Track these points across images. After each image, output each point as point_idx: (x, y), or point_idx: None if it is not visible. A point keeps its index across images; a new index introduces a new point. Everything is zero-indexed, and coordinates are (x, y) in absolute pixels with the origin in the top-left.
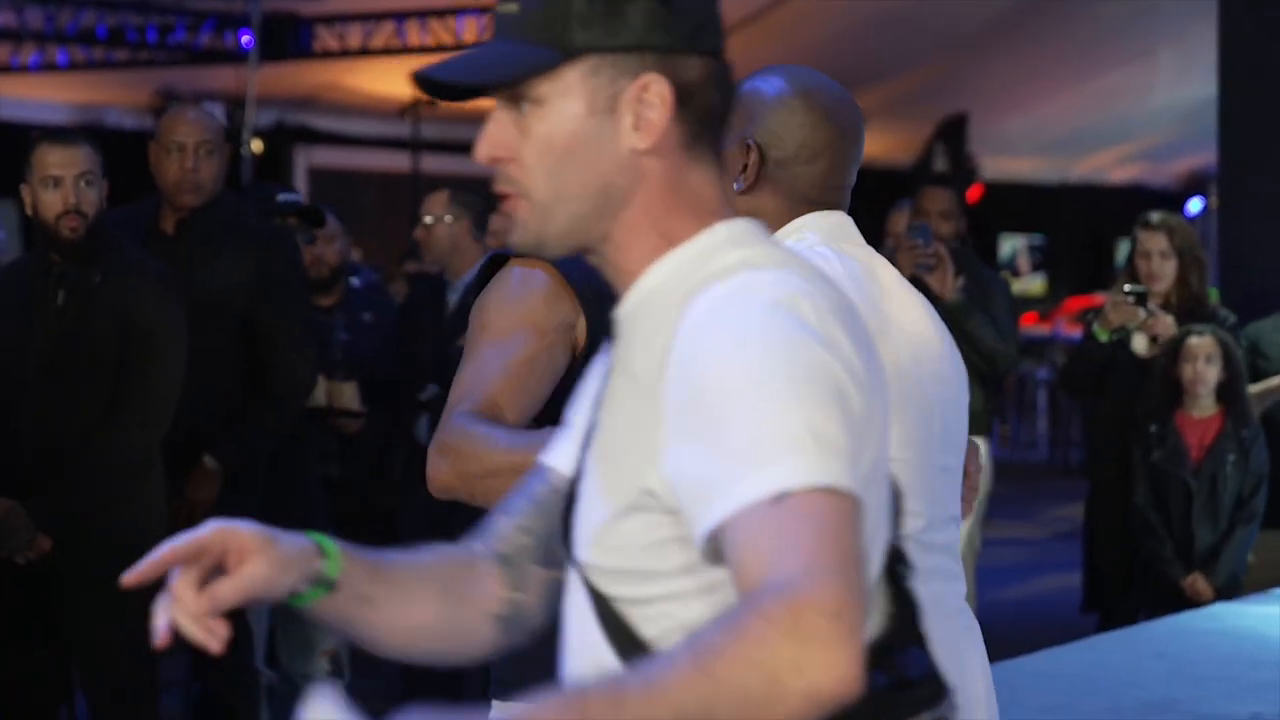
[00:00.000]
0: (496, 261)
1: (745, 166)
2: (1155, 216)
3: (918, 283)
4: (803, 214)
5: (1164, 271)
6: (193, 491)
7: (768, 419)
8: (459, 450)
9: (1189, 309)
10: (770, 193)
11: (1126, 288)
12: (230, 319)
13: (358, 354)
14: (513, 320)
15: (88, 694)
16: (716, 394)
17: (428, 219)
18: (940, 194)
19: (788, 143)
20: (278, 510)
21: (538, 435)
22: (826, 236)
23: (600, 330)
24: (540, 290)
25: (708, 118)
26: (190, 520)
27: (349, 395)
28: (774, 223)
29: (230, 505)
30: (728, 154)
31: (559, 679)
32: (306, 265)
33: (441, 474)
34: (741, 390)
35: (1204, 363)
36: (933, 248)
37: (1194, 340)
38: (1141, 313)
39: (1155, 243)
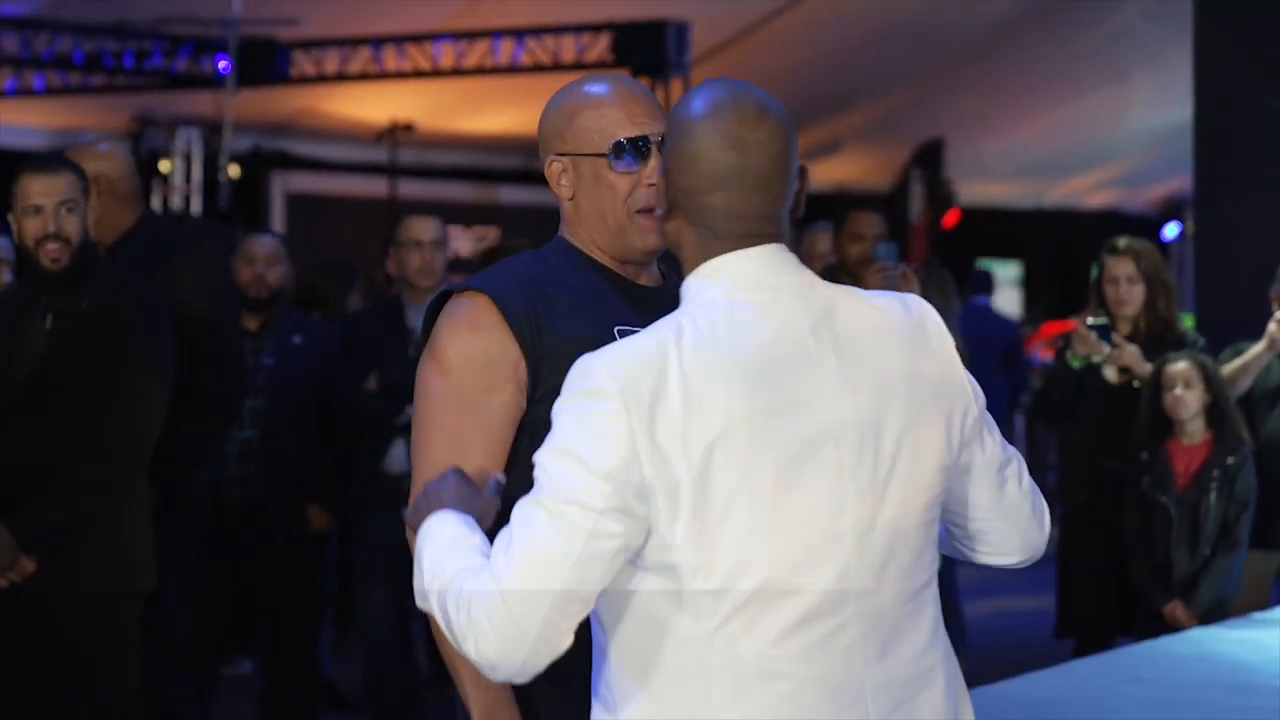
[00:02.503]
0: (444, 296)
1: (663, 192)
2: (1122, 241)
3: None
4: (716, 250)
5: (1132, 296)
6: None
7: None
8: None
9: (1157, 334)
10: (684, 223)
11: (1090, 321)
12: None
13: (285, 378)
14: (458, 366)
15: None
16: None
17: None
18: (872, 217)
19: (690, 171)
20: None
21: None
22: (735, 286)
23: (536, 355)
24: (469, 323)
25: None
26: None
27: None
28: (693, 256)
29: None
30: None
31: None
32: (246, 284)
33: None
34: None
35: (1183, 388)
36: (900, 268)
37: (1170, 367)
38: (1106, 347)
39: (1122, 268)
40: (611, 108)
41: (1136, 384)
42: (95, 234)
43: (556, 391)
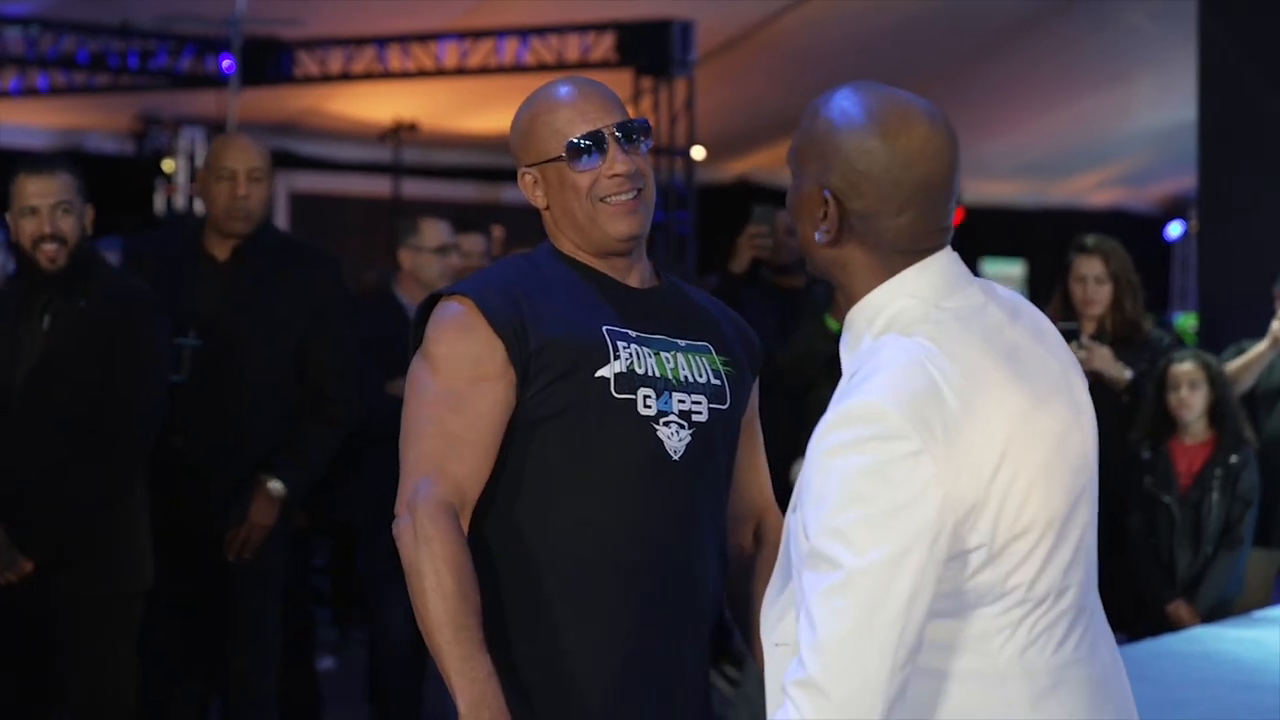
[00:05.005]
0: (433, 299)
1: (825, 215)
2: (1090, 240)
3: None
4: (898, 267)
5: (1099, 296)
6: (255, 514)
7: None
8: (426, 571)
9: (1124, 335)
10: (856, 245)
11: (1059, 326)
12: (288, 348)
13: None
14: (447, 367)
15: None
16: None
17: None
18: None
19: (868, 193)
20: None
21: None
22: (926, 302)
23: (531, 360)
24: (456, 326)
25: None
26: (249, 542)
27: None
28: (865, 278)
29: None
30: (806, 199)
31: None
32: None
33: (406, 546)
34: None
35: (1188, 389)
36: None
37: (1176, 368)
38: (1074, 348)
39: (1090, 267)
40: (563, 109)
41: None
42: (256, 216)
43: (547, 389)
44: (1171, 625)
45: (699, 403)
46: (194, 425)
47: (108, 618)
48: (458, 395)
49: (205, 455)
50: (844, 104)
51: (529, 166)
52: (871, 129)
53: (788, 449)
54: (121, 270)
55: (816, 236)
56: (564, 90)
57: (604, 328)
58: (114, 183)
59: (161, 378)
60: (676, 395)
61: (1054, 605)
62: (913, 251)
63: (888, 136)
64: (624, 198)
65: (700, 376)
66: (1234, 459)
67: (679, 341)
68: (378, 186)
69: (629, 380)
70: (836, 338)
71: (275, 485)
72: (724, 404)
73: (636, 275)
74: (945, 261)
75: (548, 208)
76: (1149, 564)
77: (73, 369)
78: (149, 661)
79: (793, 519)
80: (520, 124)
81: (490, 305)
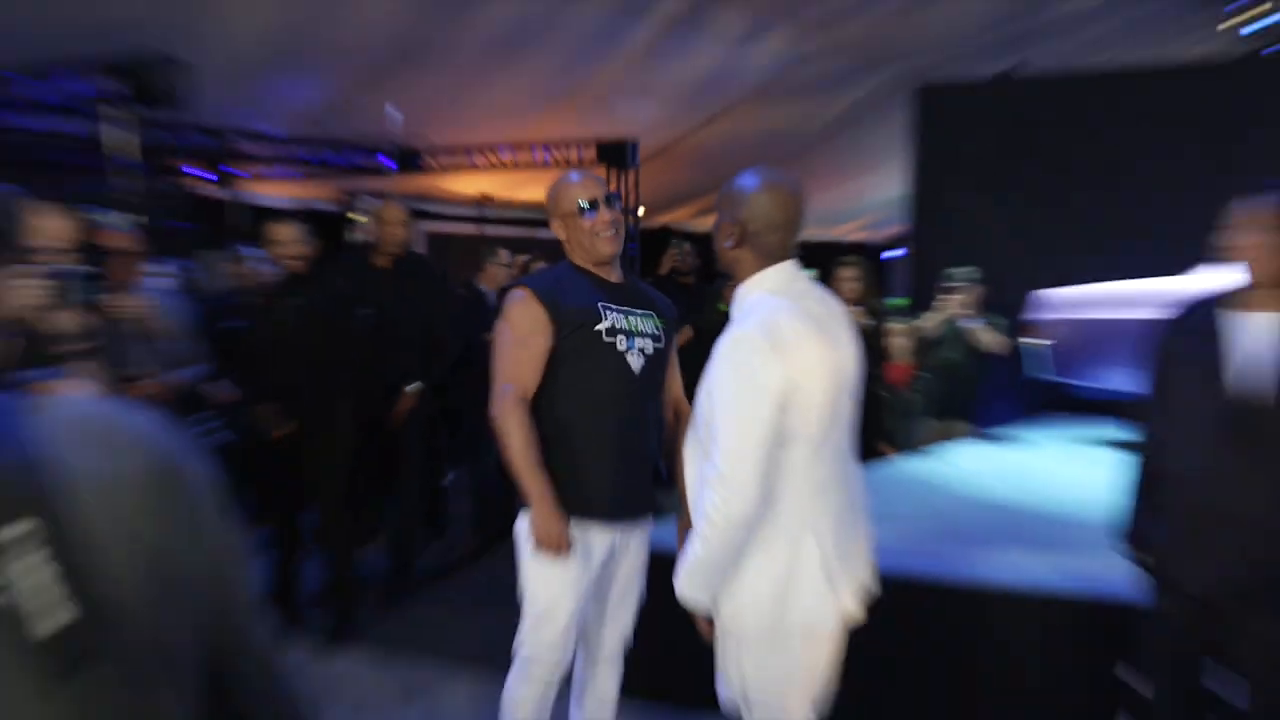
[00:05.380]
0: (507, 290)
1: (732, 233)
2: (850, 258)
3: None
4: (767, 265)
5: (855, 288)
6: (401, 403)
7: None
8: (511, 432)
9: (868, 305)
10: (747, 251)
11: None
12: (420, 319)
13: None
14: (517, 325)
15: None
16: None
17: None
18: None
19: (758, 220)
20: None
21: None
22: (780, 285)
23: (561, 320)
24: (521, 303)
25: None
26: (400, 415)
27: None
28: (749, 270)
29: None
30: (725, 227)
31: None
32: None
33: (499, 420)
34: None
35: (899, 339)
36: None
37: (891, 328)
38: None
39: (850, 272)
40: (576, 188)
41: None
42: (404, 245)
43: (574, 337)
44: (880, 458)
45: (647, 344)
46: (371, 362)
47: (338, 456)
48: (523, 340)
49: (376, 377)
50: (746, 178)
51: (557, 218)
52: (761, 188)
53: (697, 376)
54: (331, 275)
55: (726, 244)
56: (576, 176)
57: (598, 303)
58: (328, 228)
59: (355, 337)
60: (637, 340)
61: (824, 445)
62: (776, 258)
63: (769, 192)
64: (609, 234)
65: (649, 329)
66: (920, 374)
67: (637, 310)
68: (468, 229)
69: (612, 331)
70: (726, 314)
71: (412, 387)
72: (661, 344)
73: (614, 275)
74: (791, 265)
75: (566, 239)
76: (870, 427)
77: (305, 334)
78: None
79: (701, 401)
80: (553, 194)
81: (539, 291)
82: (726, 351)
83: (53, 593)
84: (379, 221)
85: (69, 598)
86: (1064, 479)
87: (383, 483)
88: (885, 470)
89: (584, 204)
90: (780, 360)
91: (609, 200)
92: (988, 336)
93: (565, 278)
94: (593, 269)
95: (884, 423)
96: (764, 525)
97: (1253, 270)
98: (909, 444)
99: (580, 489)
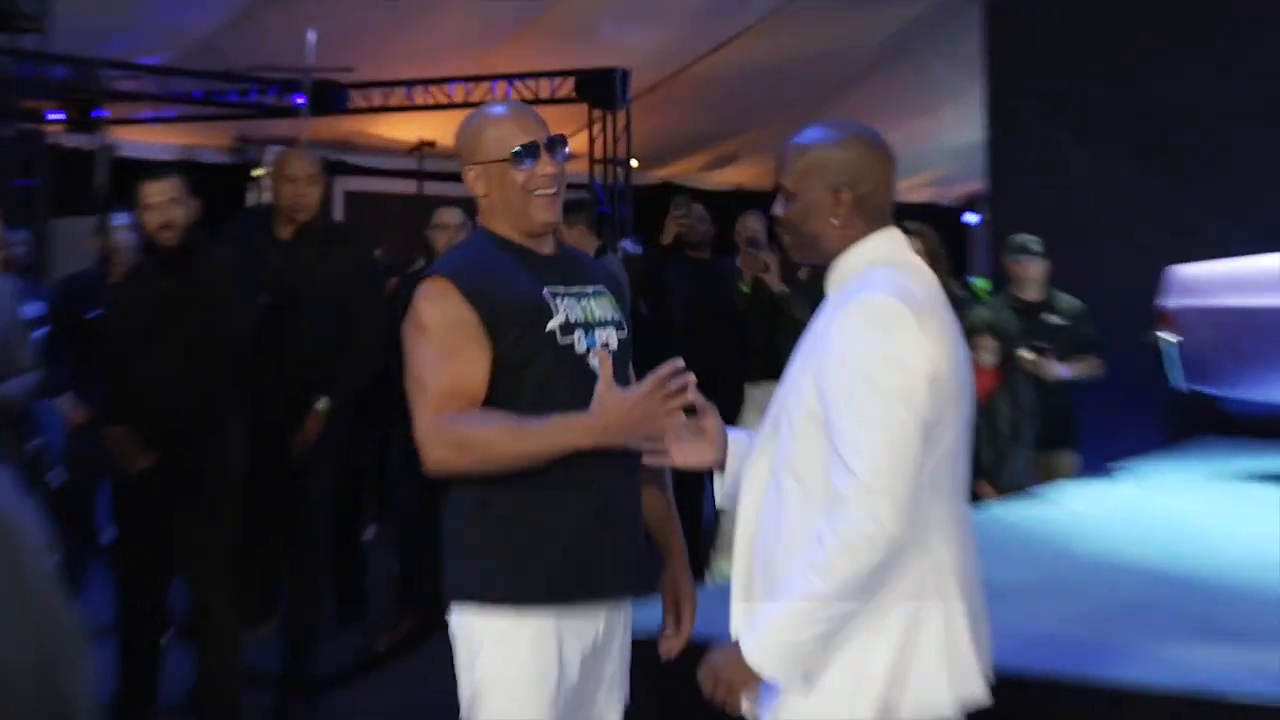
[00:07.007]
0: (414, 282)
1: (838, 204)
2: (911, 225)
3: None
4: (865, 235)
5: None
6: (309, 425)
7: None
8: (470, 442)
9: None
10: (857, 219)
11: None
12: (330, 301)
13: None
14: (436, 330)
15: None
16: None
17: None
18: (751, 218)
19: (868, 179)
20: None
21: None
22: (891, 255)
23: (497, 322)
24: (439, 300)
25: None
26: (305, 442)
27: None
28: (843, 243)
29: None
30: (816, 205)
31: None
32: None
33: (449, 467)
34: None
35: (985, 354)
36: (763, 256)
37: (976, 339)
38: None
39: (912, 244)
40: (507, 123)
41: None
42: (312, 208)
43: (518, 345)
44: (974, 501)
45: (610, 336)
46: (265, 358)
47: (218, 500)
48: (450, 350)
49: (274, 379)
50: (823, 134)
51: (474, 164)
52: (854, 141)
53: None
54: (219, 247)
55: (834, 221)
56: (506, 109)
57: (544, 290)
58: (219, 185)
59: (246, 323)
60: (597, 331)
61: (955, 470)
62: (886, 219)
63: (864, 145)
64: (548, 192)
65: (607, 315)
66: (1017, 383)
67: (588, 289)
68: (407, 186)
69: (567, 328)
70: (751, 298)
71: (321, 403)
72: (624, 332)
73: (548, 245)
74: (898, 232)
75: (486, 195)
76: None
77: (182, 319)
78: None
79: (788, 400)
80: (471, 131)
81: (462, 281)
82: (855, 324)
83: None
84: (280, 178)
85: None
86: (1230, 534)
87: (281, 540)
88: (983, 519)
89: (517, 148)
90: (928, 338)
91: (552, 146)
92: (1041, 364)
93: (490, 258)
94: (521, 239)
95: (979, 453)
96: (880, 581)
97: None
98: (1010, 482)
99: (541, 565)
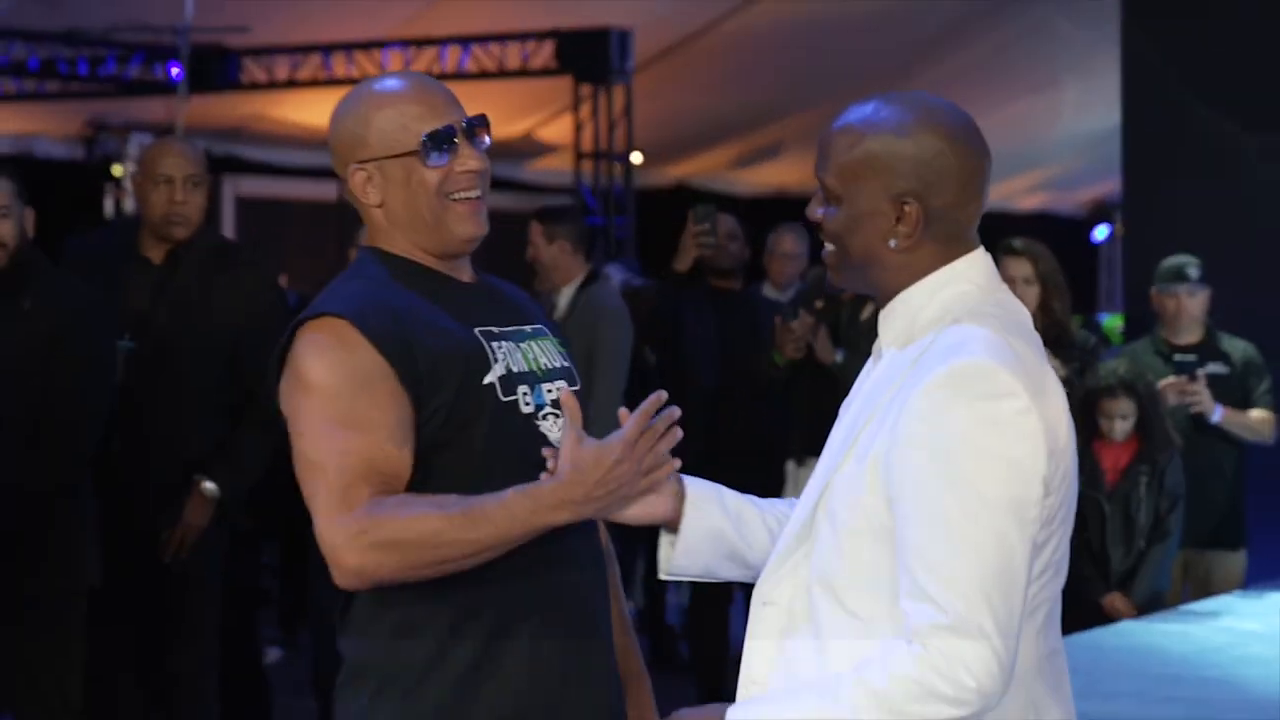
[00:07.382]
0: (294, 330)
1: (900, 220)
2: (1019, 243)
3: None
4: (953, 256)
5: (1027, 297)
6: (189, 515)
7: None
8: (400, 539)
9: (1053, 336)
10: (930, 242)
11: None
12: (221, 350)
13: None
14: (335, 394)
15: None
16: None
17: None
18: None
19: (948, 186)
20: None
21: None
22: (983, 289)
23: (420, 378)
24: (337, 350)
25: None
26: (184, 542)
27: None
28: (915, 273)
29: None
30: (869, 215)
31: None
32: None
33: (382, 567)
34: None
35: (1120, 420)
36: (799, 326)
37: (1108, 402)
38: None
39: (1019, 269)
40: (409, 103)
41: None
42: (194, 221)
43: (443, 411)
44: (1103, 618)
45: (561, 388)
46: (127, 428)
47: (53, 616)
48: (356, 419)
49: (139, 458)
50: (878, 118)
51: (364, 163)
52: (932, 131)
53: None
54: (65, 272)
55: (891, 243)
56: (406, 83)
57: (475, 330)
58: (64, 187)
59: (105, 378)
60: (544, 386)
61: (1055, 579)
62: (969, 240)
63: (948, 135)
64: (472, 195)
65: (554, 362)
66: (1160, 456)
67: (526, 329)
68: (323, 191)
69: (509, 381)
70: (786, 370)
71: (209, 486)
72: (575, 384)
73: (466, 271)
74: (986, 257)
75: (381, 204)
76: (1082, 558)
77: (15, 369)
78: (94, 661)
79: (856, 471)
80: (356, 117)
81: (369, 324)
82: (943, 403)
83: None
84: (148, 178)
85: None
86: None
87: (150, 673)
88: (1114, 643)
89: (425, 136)
90: (1043, 421)
91: (471, 131)
92: (1187, 391)
93: (394, 290)
94: (432, 262)
95: (1102, 554)
96: None
97: None
98: (1155, 591)
99: (499, 632)
